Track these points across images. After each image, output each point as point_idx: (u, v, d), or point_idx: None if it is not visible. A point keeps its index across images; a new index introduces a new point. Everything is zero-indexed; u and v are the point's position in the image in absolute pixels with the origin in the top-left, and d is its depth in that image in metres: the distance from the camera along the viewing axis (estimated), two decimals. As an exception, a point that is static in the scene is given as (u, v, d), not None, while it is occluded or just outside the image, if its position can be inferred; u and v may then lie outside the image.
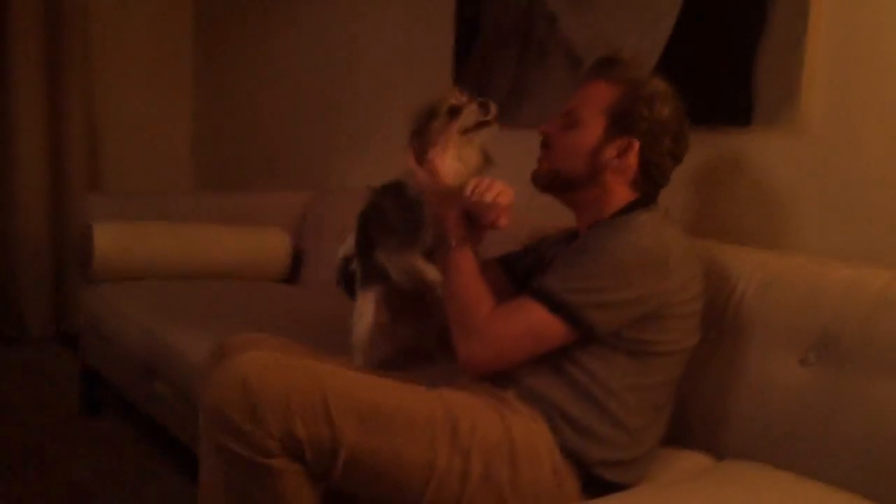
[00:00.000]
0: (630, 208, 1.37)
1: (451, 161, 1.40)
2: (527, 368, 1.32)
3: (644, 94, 1.36)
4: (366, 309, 1.54)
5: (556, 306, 1.26)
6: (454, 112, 1.40)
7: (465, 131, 1.41)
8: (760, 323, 1.39)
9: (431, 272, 1.42)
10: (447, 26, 2.40)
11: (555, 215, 1.56)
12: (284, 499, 1.14)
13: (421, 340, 1.62)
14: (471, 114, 1.40)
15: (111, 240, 2.48)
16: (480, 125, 1.40)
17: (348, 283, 1.61)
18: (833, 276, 1.36)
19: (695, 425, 1.44)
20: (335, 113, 3.01)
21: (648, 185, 1.40)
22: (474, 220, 1.38)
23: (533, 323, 1.28)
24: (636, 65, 1.41)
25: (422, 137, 1.42)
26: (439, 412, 1.22)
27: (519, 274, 1.55)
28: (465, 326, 1.32)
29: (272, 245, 2.71)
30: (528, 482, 1.23)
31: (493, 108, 1.40)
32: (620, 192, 1.39)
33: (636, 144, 1.35)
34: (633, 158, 1.36)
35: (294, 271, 2.74)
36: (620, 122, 1.36)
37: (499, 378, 1.34)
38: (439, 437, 1.19)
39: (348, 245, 1.63)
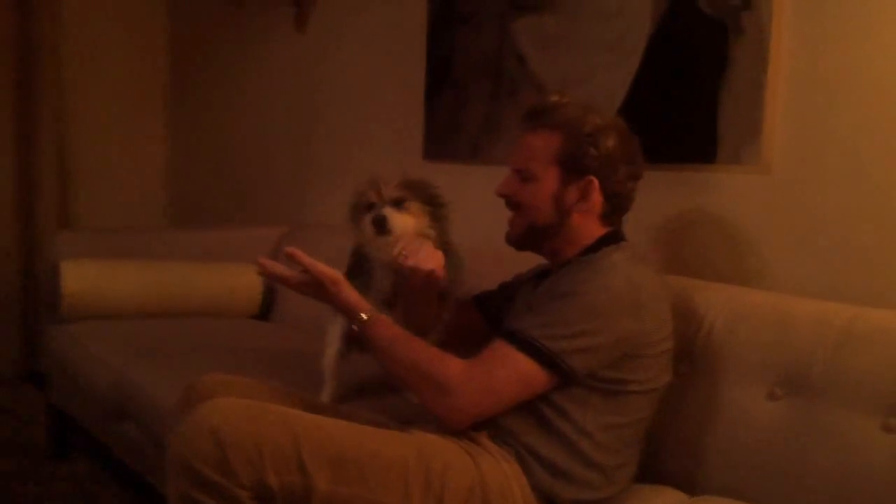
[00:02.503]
0: (599, 244, 1.38)
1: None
2: None
3: (585, 134, 1.36)
4: (333, 338, 1.60)
5: (537, 354, 1.25)
6: (369, 207, 1.47)
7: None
8: (729, 358, 1.41)
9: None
10: (419, 63, 2.43)
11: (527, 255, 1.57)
12: None
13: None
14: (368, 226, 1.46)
15: (80, 278, 2.45)
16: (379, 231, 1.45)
17: None
18: (799, 311, 1.39)
19: (667, 460, 1.44)
20: (309, 148, 3.01)
21: (616, 214, 1.41)
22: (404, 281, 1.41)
23: (516, 373, 1.26)
24: (567, 106, 1.40)
25: (354, 214, 1.51)
26: (412, 457, 1.21)
27: (492, 312, 1.56)
28: (436, 385, 1.27)
29: (245, 281, 2.69)
30: (501, 524, 1.22)
31: (389, 223, 1.44)
32: (591, 229, 1.40)
33: (595, 182, 1.37)
34: (596, 195, 1.37)
35: (267, 306, 2.72)
36: (572, 166, 1.37)
37: None
38: (412, 483, 1.18)
39: None
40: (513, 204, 1.43)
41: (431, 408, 1.29)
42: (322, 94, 2.92)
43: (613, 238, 1.40)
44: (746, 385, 1.38)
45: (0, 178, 3.32)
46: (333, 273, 1.38)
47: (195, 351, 2.16)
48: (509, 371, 1.26)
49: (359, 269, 1.52)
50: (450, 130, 2.34)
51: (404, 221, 1.44)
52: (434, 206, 1.49)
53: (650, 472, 1.42)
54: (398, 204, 1.45)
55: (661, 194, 1.77)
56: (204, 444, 1.11)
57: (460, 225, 2.21)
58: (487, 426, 1.31)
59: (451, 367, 1.28)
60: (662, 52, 1.78)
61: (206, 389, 1.38)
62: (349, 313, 1.38)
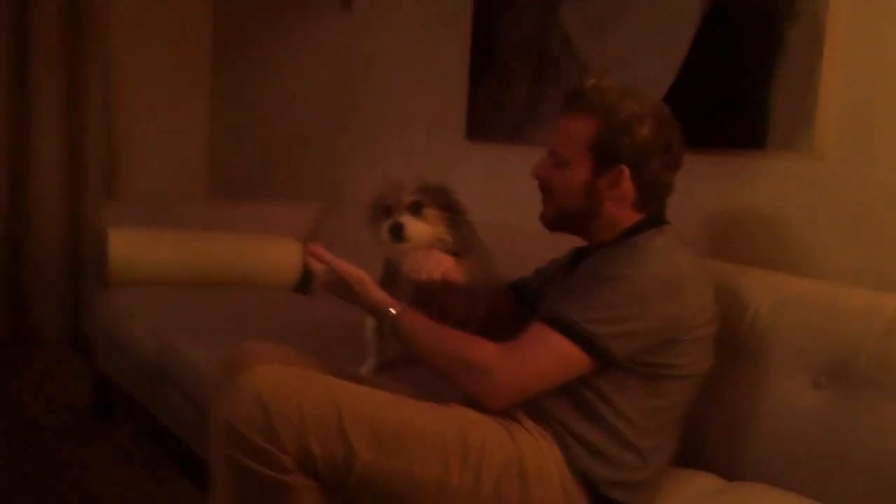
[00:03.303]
0: (638, 228, 1.37)
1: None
2: None
3: (620, 121, 1.34)
4: None
5: (577, 337, 1.24)
6: (387, 211, 1.46)
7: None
8: (773, 345, 1.40)
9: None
10: (463, 44, 2.42)
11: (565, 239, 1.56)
12: None
13: None
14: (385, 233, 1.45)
15: (126, 245, 2.51)
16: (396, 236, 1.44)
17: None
18: (846, 299, 1.36)
19: (707, 446, 1.44)
20: (350, 126, 3.03)
21: (652, 202, 1.40)
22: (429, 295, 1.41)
23: (557, 355, 1.26)
24: (606, 90, 1.37)
25: (373, 218, 1.51)
26: (451, 431, 1.22)
27: (529, 298, 1.56)
28: (473, 368, 1.27)
29: (284, 254, 2.73)
30: (537, 501, 1.23)
31: (405, 231, 1.43)
32: (626, 216, 1.38)
33: (626, 171, 1.35)
34: (626, 184, 1.36)
35: (306, 279, 2.75)
36: (605, 155, 1.35)
37: None
38: (451, 456, 1.20)
39: None
40: (545, 188, 1.43)
41: (473, 391, 1.29)
42: (366, 73, 2.93)
43: (654, 221, 1.39)
44: (791, 373, 1.36)
45: (50, 150, 3.39)
46: (359, 273, 1.38)
47: (235, 320, 2.20)
48: (550, 353, 1.26)
49: (391, 277, 1.52)
50: (492, 111, 2.34)
51: (420, 229, 1.44)
52: (452, 212, 1.48)
53: (690, 457, 1.42)
54: (416, 209, 1.44)
55: (709, 180, 1.75)
56: (250, 411, 1.13)
57: (501, 205, 2.22)
58: (526, 405, 1.31)
59: (487, 349, 1.28)
60: (713, 35, 1.75)
61: (247, 356, 1.41)
62: (378, 313, 1.39)
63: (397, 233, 1.42)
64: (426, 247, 1.43)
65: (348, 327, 2.11)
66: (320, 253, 1.40)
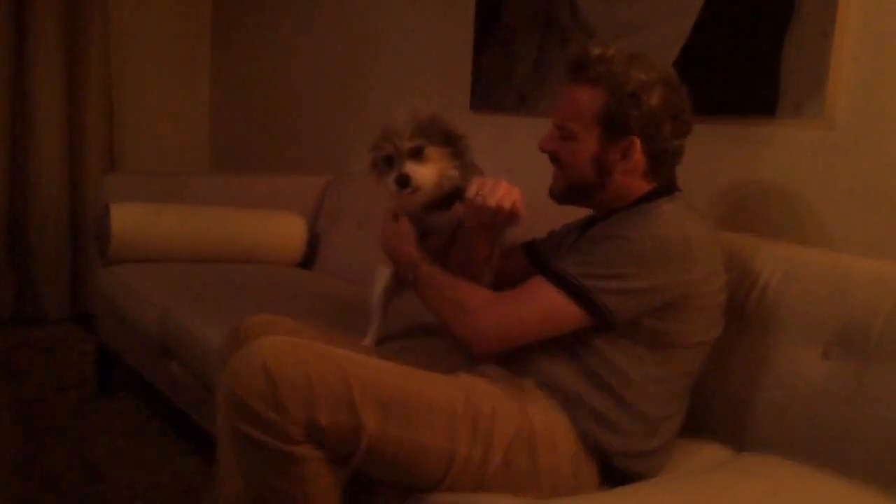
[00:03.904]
0: (650, 196, 1.36)
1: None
2: (546, 358, 1.31)
3: (628, 92, 1.31)
4: (381, 275, 1.61)
5: (571, 289, 1.25)
6: (388, 161, 1.44)
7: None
8: (783, 315, 1.38)
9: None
10: (468, 12, 2.39)
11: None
12: (306, 485, 1.14)
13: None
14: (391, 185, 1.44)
15: (128, 220, 2.49)
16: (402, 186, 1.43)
17: None
18: (857, 269, 1.35)
19: (716, 416, 1.43)
20: (354, 98, 3.00)
21: (664, 170, 1.38)
22: (485, 224, 1.38)
23: (547, 305, 1.27)
24: (612, 59, 1.34)
25: (375, 167, 1.50)
26: (460, 400, 1.21)
27: (541, 259, 1.55)
28: (462, 308, 1.33)
29: (288, 229, 2.71)
30: (546, 470, 1.22)
31: (412, 180, 1.41)
32: (636, 185, 1.37)
33: (637, 142, 1.33)
34: (638, 155, 1.34)
35: (310, 255, 2.74)
36: (614, 127, 1.33)
37: (518, 367, 1.34)
38: (460, 426, 1.19)
39: None
40: (556, 160, 1.41)
41: (458, 332, 1.34)
42: (368, 44, 2.89)
43: (665, 190, 1.37)
44: (800, 343, 1.35)
45: (49, 124, 3.36)
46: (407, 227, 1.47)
47: (239, 295, 2.19)
48: (538, 301, 1.28)
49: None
50: (497, 81, 2.30)
51: (426, 173, 1.42)
52: (452, 142, 1.46)
53: (698, 426, 1.41)
54: (417, 153, 1.42)
55: (718, 148, 1.73)
56: (256, 381, 1.11)
57: (507, 176, 2.19)
58: (536, 374, 1.31)
59: (481, 293, 1.34)
60: (724, 0, 1.71)
61: (253, 329, 1.40)
62: (406, 259, 1.45)
63: (404, 183, 1.41)
64: (490, 176, 1.40)
65: (351, 301, 2.11)
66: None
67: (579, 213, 1.52)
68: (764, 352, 1.38)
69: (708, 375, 1.37)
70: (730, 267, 1.37)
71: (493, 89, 2.33)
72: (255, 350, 1.16)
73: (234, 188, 2.88)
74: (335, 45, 3.07)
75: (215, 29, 3.81)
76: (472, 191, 1.33)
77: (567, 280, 1.26)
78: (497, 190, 1.32)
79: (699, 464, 1.33)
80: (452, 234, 1.46)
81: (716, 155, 1.73)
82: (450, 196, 1.45)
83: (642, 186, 1.37)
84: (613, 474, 1.27)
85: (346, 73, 3.03)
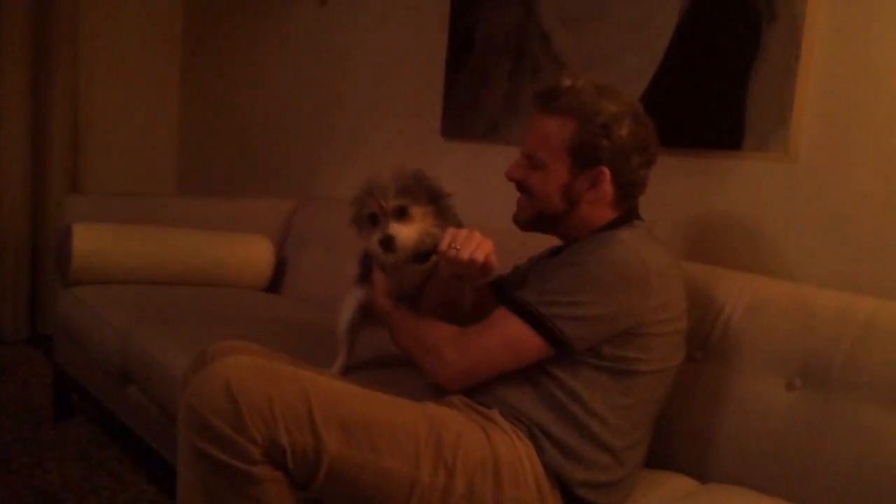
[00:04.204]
0: (612, 226, 1.37)
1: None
2: (510, 388, 1.30)
3: (598, 123, 1.33)
4: (348, 306, 1.60)
5: (530, 318, 1.26)
6: (372, 219, 1.42)
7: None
8: (747, 346, 1.39)
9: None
10: (440, 38, 2.40)
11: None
12: None
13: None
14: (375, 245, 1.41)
15: (90, 241, 2.44)
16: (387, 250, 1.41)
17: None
18: (820, 301, 1.37)
19: (680, 447, 1.43)
20: (324, 121, 2.99)
21: (629, 200, 1.40)
22: (458, 275, 1.37)
23: (509, 334, 1.28)
24: (580, 91, 1.35)
25: (358, 222, 1.47)
26: (424, 426, 1.20)
27: (506, 293, 1.54)
28: (428, 347, 1.35)
29: (254, 252, 2.68)
30: (511, 500, 1.21)
31: (396, 243, 1.39)
32: (602, 215, 1.38)
33: (607, 172, 1.34)
34: (607, 185, 1.35)
35: (276, 280, 2.71)
36: (584, 157, 1.34)
37: (483, 397, 1.33)
38: (423, 451, 1.17)
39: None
40: (523, 189, 1.42)
41: (427, 370, 1.36)
42: (340, 68, 2.90)
43: (626, 219, 1.38)
44: (764, 374, 1.36)
45: (12, 142, 3.29)
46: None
47: (203, 319, 2.15)
48: (501, 332, 1.29)
49: (369, 272, 1.55)
50: (469, 108, 2.32)
51: (410, 234, 1.40)
52: (436, 201, 1.44)
53: (662, 458, 1.41)
54: (402, 213, 1.40)
55: (684, 180, 1.75)
56: (217, 399, 1.10)
57: (477, 204, 2.19)
58: (500, 404, 1.30)
59: (445, 329, 1.35)
60: (692, 35, 1.74)
61: (220, 354, 1.38)
62: (381, 308, 1.49)
63: (389, 246, 1.39)
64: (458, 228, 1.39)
65: (318, 328, 2.08)
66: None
67: (548, 241, 1.52)
68: (727, 383, 1.39)
69: (672, 408, 1.37)
70: (693, 298, 1.38)
71: (464, 116, 2.34)
72: (218, 369, 1.14)
73: (200, 210, 2.83)
74: (306, 68, 3.07)
75: (184, 50, 3.79)
76: (444, 243, 1.32)
77: (525, 308, 1.27)
78: (470, 243, 1.31)
79: (665, 496, 1.32)
80: (426, 280, 1.45)
81: (682, 187, 1.75)
82: (428, 251, 1.43)
83: (607, 216, 1.38)
84: (580, 507, 1.26)
85: (316, 97, 3.02)
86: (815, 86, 1.55)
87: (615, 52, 1.89)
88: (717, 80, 1.69)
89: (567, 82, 1.37)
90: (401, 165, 1.46)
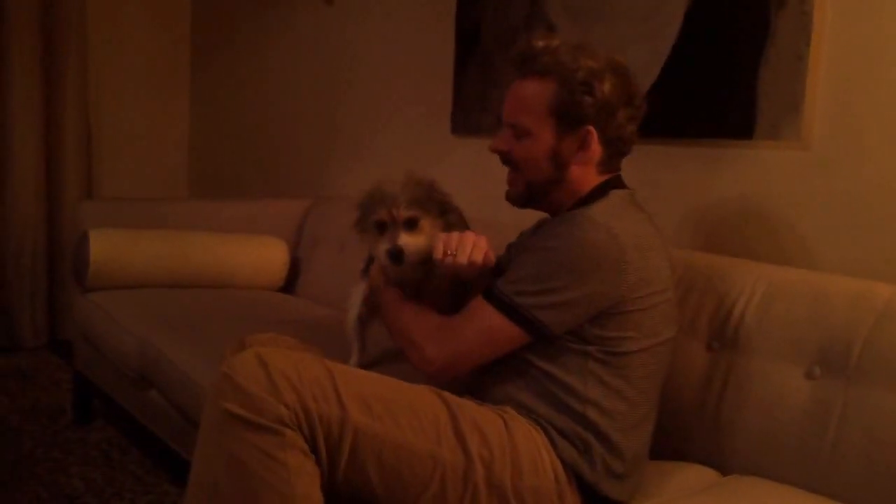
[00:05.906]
0: (589, 198, 1.33)
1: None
2: (517, 386, 1.31)
3: (579, 80, 1.29)
4: (354, 301, 1.60)
5: (506, 308, 1.26)
6: (380, 226, 1.40)
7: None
8: (764, 336, 1.38)
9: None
10: (447, 34, 2.40)
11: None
12: (289, 474, 1.09)
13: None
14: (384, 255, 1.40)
15: (107, 246, 2.46)
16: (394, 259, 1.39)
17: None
18: (837, 289, 1.35)
19: (699, 438, 1.42)
20: (333, 121, 3.00)
21: (616, 159, 1.37)
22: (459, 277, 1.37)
23: (486, 325, 1.28)
24: (558, 49, 1.32)
25: (362, 227, 1.46)
26: (443, 411, 1.21)
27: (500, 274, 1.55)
28: (411, 341, 1.36)
29: (268, 254, 2.69)
30: (530, 488, 1.21)
31: (405, 255, 1.37)
32: (588, 178, 1.35)
33: (593, 131, 1.32)
34: (595, 144, 1.33)
35: (290, 280, 2.72)
36: (568, 117, 1.31)
37: (493, 397, 1.33)
38: (443, 430, 1.18)
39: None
40: (509, 161, 1.39)
41: (410, 361, 1.36)
42: (348, 67, 2.90)
43: (609, 186, 1.35)
44: (783, 364, 1.35)
45: (26, 150, 3.32)
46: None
47: (220, 321, 2.16)
48: (478, 324, 1.29)
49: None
50: (477, 104, 2.31)
51: (419, 245, 1.38)
52: (445, 214, 1.43)
53: (681, 448, 1.40)
54: (412, 224, 1.38)
55: (696, 170, 1.74)
56: (249, 366, 1.13)
57: (486, 200, 2.19)
58: (510, 403, 1.30)
59: (427, 321, 1.35)
60: (701, 24, 1.73)
61: (256, 343, 1.45)
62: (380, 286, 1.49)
63: (397, 259, 1.37)
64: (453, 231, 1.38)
65: (334, 326, 2.08)
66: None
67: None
68: (746, 374, 1.38)
69: (690, 399, 1.37)
70: (708, 288, 1.37)
71: (472, 112, 2.33)
72: (248, 350, 1.18)
73: (213, 213, 2.85)
74: (315, 69, 3.08)
75: (194, 54, 3.81)
76: (438, 252, 1.32)
77: (501, 300, 1.27)
78: (465, 246, 1.31)
79: (684, 488, 1.31)
80: (425, 274, 1.43)
81: (694, 176, 1.75)
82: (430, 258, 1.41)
83: (594, 179, 1.36)
84: (596, 501, 1.25)
85: (324, 97, 3.03)
86: (825, 72, 1.54)
87: (623, 42, 1.88)
88: (728, 69, 1.68)
89: (541, 43, 1.35)
90: (411, 172, 1.43)
